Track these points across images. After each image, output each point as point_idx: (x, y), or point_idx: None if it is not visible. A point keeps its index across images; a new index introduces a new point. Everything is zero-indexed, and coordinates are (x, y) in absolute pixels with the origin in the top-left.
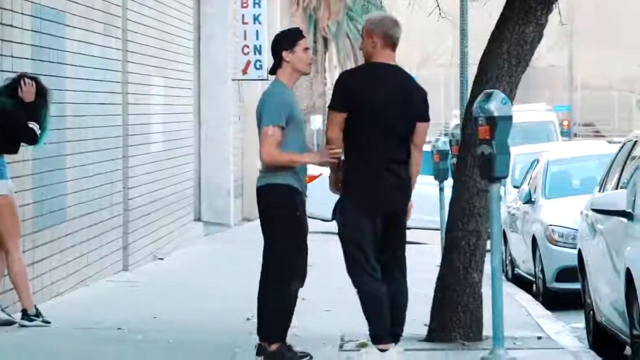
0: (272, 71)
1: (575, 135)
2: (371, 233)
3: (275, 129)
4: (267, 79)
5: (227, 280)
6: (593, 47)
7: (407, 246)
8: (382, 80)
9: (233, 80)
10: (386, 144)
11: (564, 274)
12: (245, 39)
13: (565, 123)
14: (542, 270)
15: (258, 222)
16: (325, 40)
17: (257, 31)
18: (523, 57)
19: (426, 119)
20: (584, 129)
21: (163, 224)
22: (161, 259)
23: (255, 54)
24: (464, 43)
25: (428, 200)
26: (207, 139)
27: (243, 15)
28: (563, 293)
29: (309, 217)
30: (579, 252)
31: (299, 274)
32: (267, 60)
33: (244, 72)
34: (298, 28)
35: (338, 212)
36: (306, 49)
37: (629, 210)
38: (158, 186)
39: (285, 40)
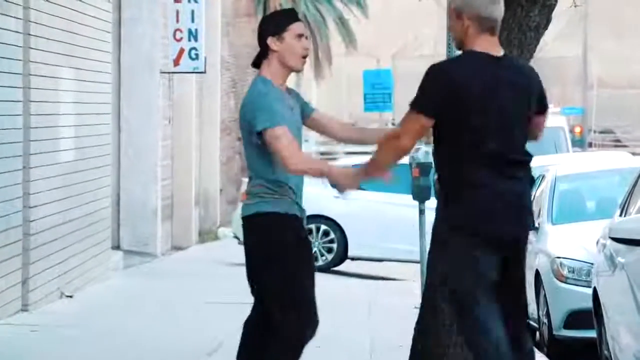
0: (256, 64)
1: (590, 144)
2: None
3: (285, 128)
4: (204, 72)
5: (153, 327)
6: (612, 36)
7: (378, 283)
8: (481, 76)
9: (162, 72)
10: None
11: (575, 318)
12: (177, 21)
13: (578, 129)
14: (548, 314)
15: (192, 251)
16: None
17: (192, 11)
18: (527, 47)
19: (546, 105)
20: (601, 136)
21: (73, 252)
22: (70, 296)
23: (190, 40)
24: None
25: (405, 225)
26: (129, 146)
27: None
28: (574, 342)
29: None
30: (594, 291)
31: (313, 321)
32: (205, 48)
33: (176, 62)
34: (292, 9)
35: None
36: (300, 35)
37: None
38: (67, 205)
39: (271, 23)
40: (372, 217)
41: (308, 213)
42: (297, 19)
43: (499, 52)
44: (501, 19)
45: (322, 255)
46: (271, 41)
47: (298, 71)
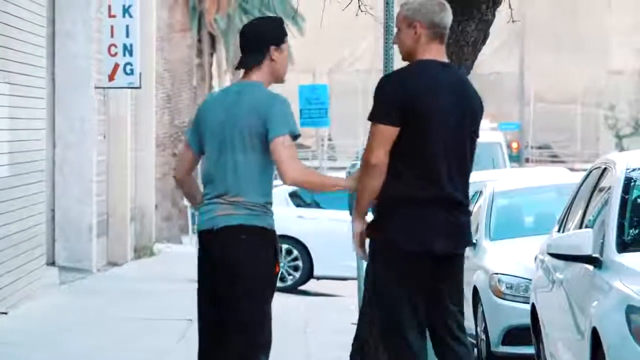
0: (246, 66)
1: (527, 160)
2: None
3: (291, 139)
4: (139, 87)
5: (88, 344)
6: (549, 51)
7: (315, 299)
8: (439, 85)
9: (97, 88)
10: (448, 170)
11: (513, 335)
12: (112, 36)
13: (515, 145)
14: (486, 330)
15: (127, 267)
16: (212, 38)
17: (127, 26)
18: (464, 62)
19: (478, 134)
20: (538, 152)
21: (8, 269)
22: (4, 313)
23: (124, 55)
24: (388, 43)
25: (341, 241)
26: (64, 161)
27: (110, 7)
28: (512, 358)
29: None
30: (533, 307)
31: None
32: (140, 63)
33: (111, 78)
34: (281, 18)
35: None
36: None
37: (596, 255)
38: (1, 221)
39: (275, 32)
40: (336, 236)
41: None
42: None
43: (445, 60)
44: (448, 27)
45: (288, 274)
46: (274, 50)
47: (282, 82)
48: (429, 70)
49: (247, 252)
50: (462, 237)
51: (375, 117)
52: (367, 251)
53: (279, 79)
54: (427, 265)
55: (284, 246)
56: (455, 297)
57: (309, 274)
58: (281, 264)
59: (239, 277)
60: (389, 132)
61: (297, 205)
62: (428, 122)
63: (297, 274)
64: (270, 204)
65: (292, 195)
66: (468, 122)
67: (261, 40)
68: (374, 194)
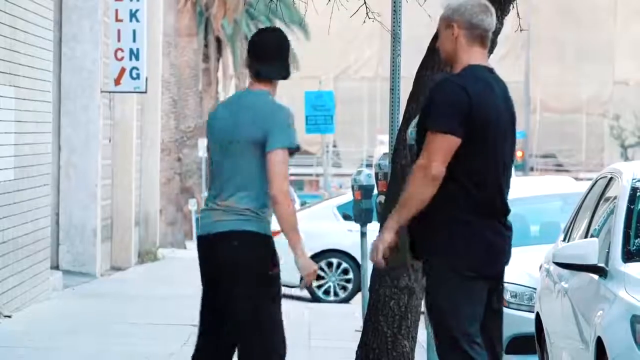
0: (264, 75)
1: (532, 169)
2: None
3: (288, 155)
4: (145, 91)
5: (91, 347)
6: (554, 60)
7: (319, 306)
8: (494, 92)
9: (103, 92)
10: (503, 182)
11: (517, 343)
12: (118, 40)
13: (519, 154)
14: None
15: (131, 272)
16: (219, 43)
17: (134, 31)
18: None
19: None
20: (543, 161)
21: (12, 272)
22: (8, 316)
23: (131, 59)
24: (395, 50)
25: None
26: (69, 166)
27: (117, 11)
28: None
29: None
30: (537, 316)
31: (283, 349)
32: (147, 67)
33: (117, 82)
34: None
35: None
36: None
37: (601, 264)
38: (6, 224)
39: (288, 46)
40: None
41: (323, 247)
42: None
43: (490, 65)
44: (492, 32)
45: (341, 287)
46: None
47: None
48: (483, 77)
49: (238, 257)
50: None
51: (439, 125)
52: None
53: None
54: (486, 285)
55: (335, 260)
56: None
57: (360, 286)
58: (333, 278)
59: (233, 282)
60: (452, 143)
61: (345, 219)
62: (487, 131)
63: (350, 286)
64: (265, 210)
65: (339, 208)
66: (512, 131)
67: (282, 50)
68: (424, 205)
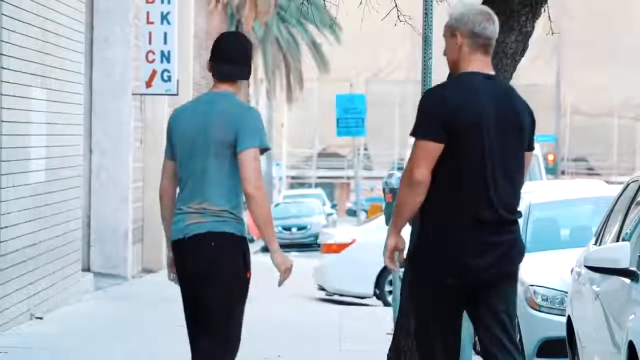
0: (231, 77)
1: (563, 172)
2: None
3: (259, 154)
4: (176, 94)
5: (123, 349)
6: (586, 63)
7: (349, 308)
8: (480, 98)
9: (134, 94)
10: (494, 188)
11: (548, 347)
12: (150, 42)
13: (551, 157)
14: (521, 342)
15: (162, 274)
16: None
17: (165, 33)
18: (502, 73)
19: (533, 146)
20: (574, 164)
21: (43, 274)
22: (40, 318)
23: (162, 62)
24: (426, 53)
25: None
26: (101, 167)
27: (148, 13)
28: None
29: (339, 294)
30: (568, 319)
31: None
32: (177, 70)
33: (148, 84)
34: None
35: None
36: None
37: (633, 268)
38: (38, 226)
39: (251, 49)
40: None
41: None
42: None
43: (490, 72)
44: (495, 39)
45: None
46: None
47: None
48: (470, 83)
49: (216, 258)
50: (509, 258)
51: (418, 132)
52: (397, 264)
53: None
54: (470, 290)
55: None
56: (507, 306)
57: None
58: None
59: (209, 283)
60: (433, 148)
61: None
62: (467, 137)
63: None
64: (239, 209)
65: None
66: (514, 135)
67: (246, 54)
68: (414, 211)
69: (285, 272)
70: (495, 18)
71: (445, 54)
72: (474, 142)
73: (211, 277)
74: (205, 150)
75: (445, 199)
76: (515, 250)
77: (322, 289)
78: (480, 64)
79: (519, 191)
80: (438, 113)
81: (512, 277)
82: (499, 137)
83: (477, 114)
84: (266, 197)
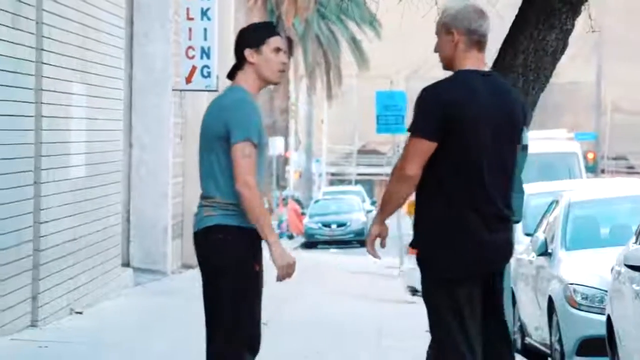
0: (231, 75)
1: (603, 171)
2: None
3: (252, 148)
4: (216, 90)
5: (163, 345)
6: (627, 61)
7: (388, 305)
8: (477, 95)
9: (174, 90)
10: (490, 184)
11: (588, 345)
12: (190, 38)
13: (591, 155)
14: (560, 341)
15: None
16: (290, 42)
17: (205, 29)
18: (543, 71)
19: (521, 143)
20: (614, 163)
21: (83, 269)
22: (80, 312)
23: (202, 58)
24: None
25: None
26: (140, 163)
27: (188, 9)
28: None
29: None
30: (608, 318)
31: (253, 344)
32: (218, 66)
33: (188, 80)
34: (271, 22)
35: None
36: (278, 49)
37: None
38: (78, 221)
39: (250, 35)
40: None
41: None
42: (275, 33)
43: (485, 69)
44: (487, 36)
45: None
46: (248, 53)
47: (275, 84)
48: (467, 81)
49: (223, 251)
50: (504, 255)
51: (412, 129)
52: (377, 251)
53: (266, 80)
54: (472, 286)
55: None
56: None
57: None
58: None
59: (217, 276)
60: (426, 147)
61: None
62: (466, 135)
63: None
64: None
65: None
66: (509, 132)
67: (237, 45)
68: (401, 203)
69: (283, 268)
70: (487, 14)
71: (436, 50)
72: (472, 139)
73: (216, 269)
74: (209, 145)
75: (445, 196)
76: (509, 248)
77: (414, 290)
78: (476, 61)
79: (512, 187)
80: (435, 111)
81: (503, 274)
82: (496, 134)
83: (475, 112)
84: (256, 192)
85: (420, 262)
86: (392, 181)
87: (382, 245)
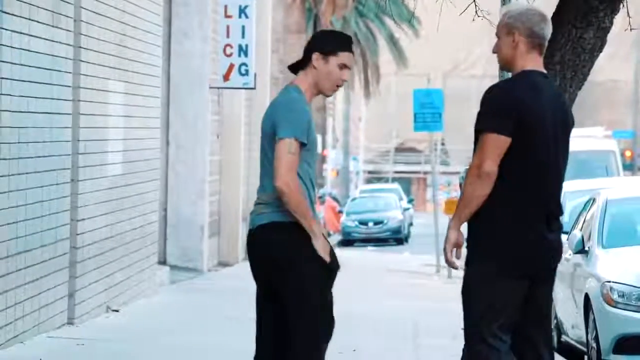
0: (294, 68)
1: None
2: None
3: (297, 145)
4: (254, 88)
5: (200, 342)
6: None
7: (424, 304)
8: (543, 96)
9: (211, 88)
10: (552, 184)
11: (626, 343)
12: (227, 36)
13: (628, 153)
14: (597, 339)
15: (238, 267)
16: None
17: (243, 27)
18: (580, 69)
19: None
20: None
21: (120, 266)
22: (116, 310)
23: (240, 55)
24: None
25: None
26: (177, 161)
27: (226, 7)
28: None
29: None
30: None
31: (330, 331)
32: (255, 64)
33: (226, 78)
34: (349, 37)
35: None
36: (344, 66)
37: None
38: (115, 219)
39: (325, 42)
40: None
41: None
42: (348, 49)
43: (544, 71)
44: (547, 40)
45: None
46: (316, 57)
47: (327, 96)
48: (533, 81)
49: (279, 248)
50: (560, 254)
51: (487, 126)
52: (456, 261)
53: (321, 90)
54: (526, 284)
55: None
56: (549, 305)
57: None
58: None
59: (279, 272)
60: (502, 142)
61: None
62: (534, 134)
63: None
64: None
65: None
66: (563, 135)
67: (308, 45)
68: (480, 204)
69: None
70: (549, 18)
71: (495, 51)
72: (538, 139)
73: (275, 265)
74: (264, 144)
75: (515, 195)
76: (561, 248)
77: None
78: (536, 63)
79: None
80: (507, 108)
81: (554, 274)
82: (555, 135)
83: (541, 112)
84: (296, 189)
85: (476, 256)
86: (472, 182)
87: (458, 255)
